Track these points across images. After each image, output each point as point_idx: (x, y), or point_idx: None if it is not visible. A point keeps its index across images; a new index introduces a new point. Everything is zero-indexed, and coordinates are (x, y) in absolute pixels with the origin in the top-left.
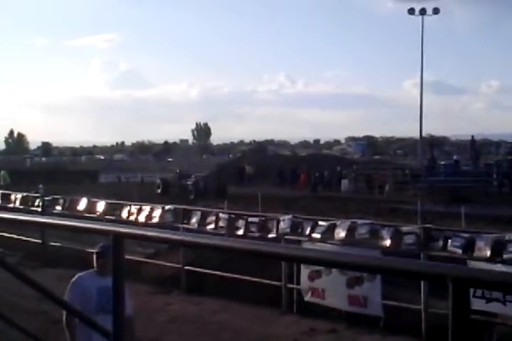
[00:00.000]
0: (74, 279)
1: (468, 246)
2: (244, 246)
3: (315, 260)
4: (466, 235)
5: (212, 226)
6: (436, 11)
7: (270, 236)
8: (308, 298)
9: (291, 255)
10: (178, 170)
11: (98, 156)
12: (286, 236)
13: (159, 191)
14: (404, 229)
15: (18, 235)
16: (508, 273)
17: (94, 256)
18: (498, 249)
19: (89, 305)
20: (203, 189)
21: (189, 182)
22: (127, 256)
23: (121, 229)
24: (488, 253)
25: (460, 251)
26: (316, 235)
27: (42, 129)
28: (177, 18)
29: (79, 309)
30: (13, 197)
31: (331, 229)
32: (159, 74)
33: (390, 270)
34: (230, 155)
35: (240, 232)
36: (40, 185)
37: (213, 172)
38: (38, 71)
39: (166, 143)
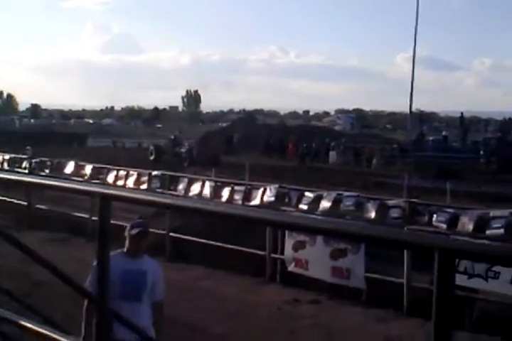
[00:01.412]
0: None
1: (453, 222)
2: (231, 211)
3: (301, 226)
4: (450, 210)
5: (196, 192)
6: None
7: (252, 203)
8: (291, 268)
9: (277, 220)
10: (172, 137)
11: (87, 120)
12: (271, 206)
13: (152, 158)
14: (390, 202)
15: (3, 197)
16: (494, 244)
17: (129, 237)
18: (481, 224)
19: (113, 289)
20: (197, 156)
21: (183, 150)
22: (113, 222)
23: (109, 191)
24: (471, 228)
25: (445, 226)
26: (303, 206)
27: (31, 91)
28: None
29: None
30: (0, 158)
31: (316, 200)
32: (151, 40)
33: (377, 239)
34: (220, 124)
35: (223, 200)
36: (28, 147)
37: (201, 140)
38: (29, 32)
39: (155, 109)
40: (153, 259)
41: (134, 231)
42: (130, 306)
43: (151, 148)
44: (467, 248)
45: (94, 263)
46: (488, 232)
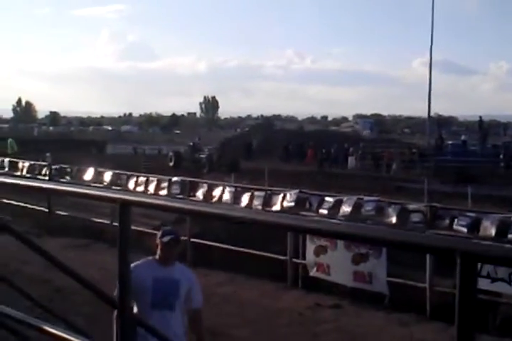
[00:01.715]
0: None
1: (474, 226)
2: (252, 216)
3: (323, 231)
4: (472, 214)
5: (215, 198)
6: None
7: (272, 209)
8: (313, 273)
9: (298, 225)
10: (191, 143)
11: (106, 127)
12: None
13: (172, 164)
14: (411, 207)
15: (25, 203)
16: None
17: (161, 244)
18: (503, 229)
19: (144, 298)
20: (217, 162)
21: (202, 156)
22: (133, 227)
23: (129, 197)
24: (493, 232)
25: (465, 230)
26: (323, 211)
27: (50, 98)
28: None
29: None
30: (20, 165)
31: (337, 205)
32: (167, 47)
33: (398, 243)
34: (238, 130)
35: (243, 205)
36: (48, 154)
37: (220, 146)
38: (45, 41)
39: (173, 115)
40: (186, 267)
41: (166, 239)
42: (161, 315)
43: (171, 154)
44: (489, 251)
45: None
46: (510, 236)
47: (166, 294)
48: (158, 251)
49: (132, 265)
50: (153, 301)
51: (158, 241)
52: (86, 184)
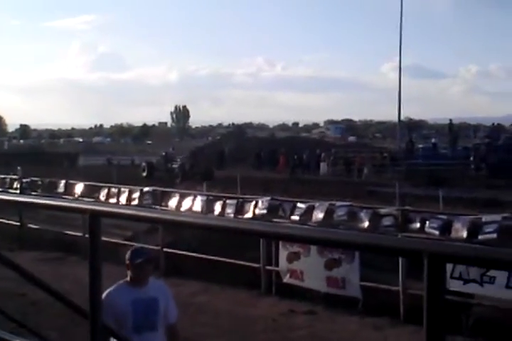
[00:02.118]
0: (103, 298)
1: (446, 228)
2: (223, 224)
3: (293, 237)
4: (443, 217)
5: (187, 207)
6: None
7: (245, 216)
8: (286, 279)
9: (270, 232)
10: (163, 153)
11: (77, 139)
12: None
13: (145, 174)
14: (383, 211)
15: None
16: (483, 247)
17: (132, 267)
18: (474, 230)
19: (126, 323)
20: (189, 172)
21: (175, 165)
22: (106, 239)
23: (98, 208)
24: (465, 234)
25: (437, 232)
26: (295, 217)
27: (20, 112)
28: (156, 1)
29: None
30: None
31: (309, 211)
32: (137, 57)
33: (366, 246)
34: (209, 138)
35: (216, 214)
36: (19, 167)
37: (192, 155)
38: (15, 53)
39: (144, 125)
40: (159, 280)
41: (138, 261)
42: (145, 336)
43: (144, 164)
44: (456, 251)
45: (104, 295)
46: (480, 237)
47: (147, 315)
48: (130, 273)
49: (105, 293)
50: (135, 324)
51: (128, 262)
52: (57, 196)
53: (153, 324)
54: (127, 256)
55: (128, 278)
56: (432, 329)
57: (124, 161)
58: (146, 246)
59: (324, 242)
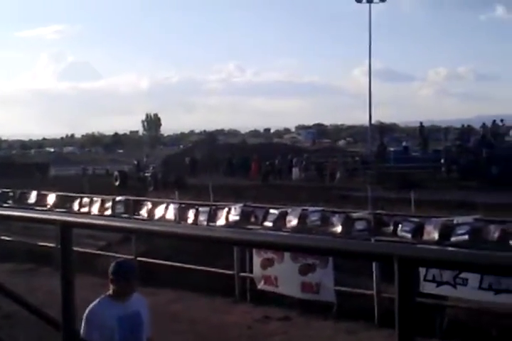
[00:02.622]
0: (86, 314)
1: (418, 231)
2: (195, 233)
3: (266, 243)
4: (415, 220)
5: (159, 216)
6: None
7: (217, 224)
8: (261, 286)
9: (245, 239)
10: (135, 162)
11: (48, 149)
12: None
13: (117, 183)
14: (355, 215)
15: None
16: (452, 250)
17: (115, 281)
18: (446, 232)
19: (112, 339)
20: (162, 180)
21: (147, 174)
22: (78, 249)
23: (69, 218)
24: (436, 236)
25: (409, 235)
26: (268, 223)
27: None
28: (126, 10)
29: None
30: None
31: (282, 217)
32: (108, 66)
33: (338, 251)
34: (181, 146)
35: (189, 222)
36: None
37: (164, 163)
38: None
39: (116, 134)
40: (137, 293)
41: (121, 275)
42: None
43: (116, 173)
44: (426, 255)
45: (87, 311)
46: (453, 239)
47: (132, 330)
48: (113, 287)
49: (89, 309)
50: (121, 340)
51: (112, 277)
52: (30, 207)
53: (139, 338)
54: (111, 269)
55: (111, 292)
56: (403, 333)
57: (98, 171)
58: (124, 256)
59: (296, 248)
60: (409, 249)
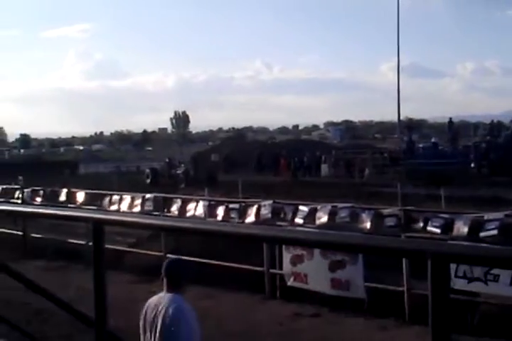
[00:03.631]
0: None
1: (448, 227)
2: (225, 229)
3: (296, 240)
4: (445, 216)
5: (190, 213)
6: None
7: (248, 221)
8: (291, 282)
9: (274, 236)
10: (167, 159)
11: (77, 147)
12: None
13: (149, 181)
14: (385, 211)
15: (0, 228)
16: (486, 247)
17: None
18: (475, 228)
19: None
20: (193, 177)
21: (179, 171)
22: (109, 246)
23: (101, 216)
24: (466, 232)
25: (439, 231)
26: (299, 220)
27: (20, 121)
28: (151, 7)
29: None
30: None
31: (312, 214)
32: (135, 64)
33: (369, 248)
34: (209, 143)
35: (219, 219)
36: (20, 177)
37: (192, 161)
38: (12, 63)
39: (144, 132)
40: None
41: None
42: None
43: (147, 171)
44: (459, 251)
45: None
46: (482, 234)
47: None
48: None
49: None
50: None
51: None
52: (60, 205)
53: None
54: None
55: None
56: (437, 329)
57: (130, 168)
58: (153, 253)
59: (327, 245)
60: (442, 245)
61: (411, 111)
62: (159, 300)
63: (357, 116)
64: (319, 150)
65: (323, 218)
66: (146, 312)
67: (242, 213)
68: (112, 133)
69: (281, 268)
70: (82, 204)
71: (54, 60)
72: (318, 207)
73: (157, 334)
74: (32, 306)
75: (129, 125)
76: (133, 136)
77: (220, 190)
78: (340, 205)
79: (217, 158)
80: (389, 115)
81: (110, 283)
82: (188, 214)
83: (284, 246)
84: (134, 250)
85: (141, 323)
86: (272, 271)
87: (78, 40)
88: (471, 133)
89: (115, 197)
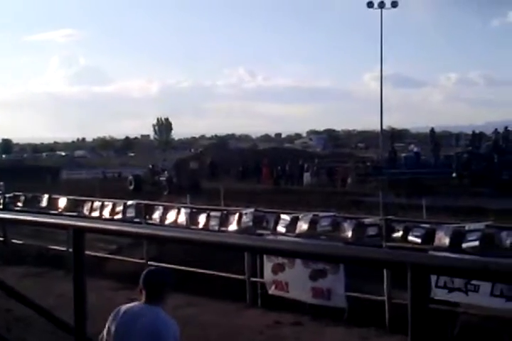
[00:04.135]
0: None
1: (429, 237)
2: (205, 238)
3: (279, 250)
4: (426, 226)
5: (171, 220)
6: (394, 4)
7: (230, 229)
8: (272, 291)
9: (256, 246)
10: (150, 166)
11: (59, 152)
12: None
13: (132, 187)
14: (366, 220)
15: None
16: (465, 258)
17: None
18: (458, 239)
19: None
20: (177, 184)
21: (162, 178)
22: (90, 253)
23: (82, 223)
24: (447, 242)
25: (419, 240)
26: (281, 229)
27: (2, 126)
28: (135, 14)
29: None
30: None
31: (294, 223)
32: (119, 70)
33: (349, 258)
34: (192, 150)
35: (200, 226)
36: (1, 183)
37: (174, 167)
38: None
39: (127, 138)
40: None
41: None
42: None
43: (130, 178)
44: (439, 263)
45: (113, 312)
46: (464, 245)
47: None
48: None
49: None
50: None
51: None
52: (41, 211)
53: None
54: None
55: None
56: (416, 339)
57: (112, 174)
58: (134, 260)
59: (308, 255)
60: (422, 256)
61: (394, 120)
62: (139, 312)
63: (340, 125)
64: (302, 159)
65: (304, 227)
66: (120, 319)
67: (224, 221)
68: (94, 139)
69: (262, 276)
70: (64, 210)
71: (37, 64)
72: (300, 215)
73: None
74: (12, 313)
75: (112, 131)
76: (115, 142)
77: (202, 198)
78: (321, 214)
79: (196, 165)
80: (372, 124)
81: (91, 289)
82: (170, 221)
83: (265, 255)
84: (116, 257)
85: (111, 328)
86: (253, 279)
87: (62, 45)
88: (453, 143)
89: (97, 204)
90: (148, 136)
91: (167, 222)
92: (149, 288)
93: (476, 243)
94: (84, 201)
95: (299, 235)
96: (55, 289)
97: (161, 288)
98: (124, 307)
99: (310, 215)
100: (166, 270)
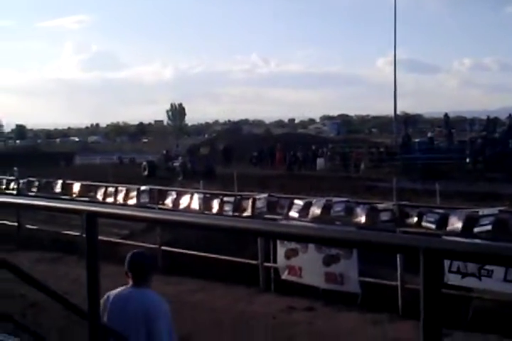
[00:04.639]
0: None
1: (442, 222)
2: (219, 223)
3: (291, 235)
4: (439, 211)
5: (184, 205)
6: None
7: (245, 214)
8: (285, 276)
9: (268, 231)
10: (164, 152)
11: (73, 138)
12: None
13: (146, 173)
14: (380, 206)
15: None
16: (478, 243)
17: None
18: (470, 223)
19: None
20: (191, 170)
21: (176, 164)
22: (103, 238)
23: (95, 208)
24: (460, 227)
25: (433, 226)
26: (294, 214)
27: (16, 112)
28: None
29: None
30: None
31: (307, 208)
32: (132, 56)
33: (362, 243)
34: (206, 136)
35: (214, 211)
36: (15, 168)
37: (188, 153)
38: (10, 54)
39: (140, 124)
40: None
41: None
42: None
43: (144, 164)
44: (451, 247)
45: (102, 299)
46: (476, 230)
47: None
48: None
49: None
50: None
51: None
52: (55, 196)
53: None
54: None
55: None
56: (428, 324)
57: (126, 160)
58: (148, 245)
59: (321, 240)
60: (434, 241)
61: (407, 105)
62: (129, 295)
63: (353, 110)
64: (315, 144)
65: (317, 212)
66: (111, 305)
67: (237, 206)
68: (108, 125)
69: (275, 261)
70: (78, 195)
71: (51, 50)
72: (313, 201)
73: (141, 330)
74: (27, 298)
75: (125, 117)
76: (129, 127)
77: (216, 183)
78: (335, 199)
79: (207, 151)
80: (385, 109)
81: (104, 274)
82: (183, 206)
83: (278, 240)
84: (129, 242)
85: (104, 315)
86: (266, 264)
87: (75, 31)
88: (467, 129)
89: (110, 189)
90: (161, 121)
91: (180, 207)
92: (136, 270)
93: (489, 227)
94: (98, 186)
95: (313, 220)
96: (69, 274)
97: (147, 269)
98: (113, 292)
99: (323, 200)
100: (147, 252)
